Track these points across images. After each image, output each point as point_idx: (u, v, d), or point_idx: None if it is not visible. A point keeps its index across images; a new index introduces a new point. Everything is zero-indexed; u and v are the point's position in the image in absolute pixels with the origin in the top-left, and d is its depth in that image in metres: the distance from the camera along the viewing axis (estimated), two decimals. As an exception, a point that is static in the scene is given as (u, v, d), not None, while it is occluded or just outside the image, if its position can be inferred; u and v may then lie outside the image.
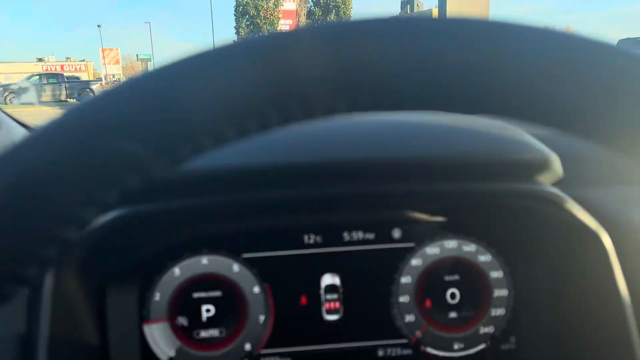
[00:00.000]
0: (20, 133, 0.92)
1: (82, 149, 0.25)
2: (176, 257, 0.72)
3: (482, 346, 0.76)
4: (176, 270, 0.72)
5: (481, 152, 0.65)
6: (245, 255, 0.73)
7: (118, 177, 0.26)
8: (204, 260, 0.73)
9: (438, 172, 0.64)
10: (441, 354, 0.75)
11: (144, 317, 0.72)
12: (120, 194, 0.27)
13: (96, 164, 0.25)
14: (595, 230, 0.63)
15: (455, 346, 0.76)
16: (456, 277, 0.76)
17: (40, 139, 0.26)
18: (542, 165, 0.65)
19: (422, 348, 0.75)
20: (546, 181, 0.66)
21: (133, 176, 0.26)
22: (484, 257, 0.75)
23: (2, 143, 0.88)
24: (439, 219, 0.74)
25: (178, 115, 0.25)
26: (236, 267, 0.73)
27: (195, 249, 0.72)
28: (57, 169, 0.25)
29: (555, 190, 0.63)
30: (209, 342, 0.73)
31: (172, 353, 0.72)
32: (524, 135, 0.70)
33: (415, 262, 0.75)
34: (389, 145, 0.65)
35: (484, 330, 0.76)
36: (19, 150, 0.26)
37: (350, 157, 0.63)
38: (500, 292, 0.75)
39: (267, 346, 0.74)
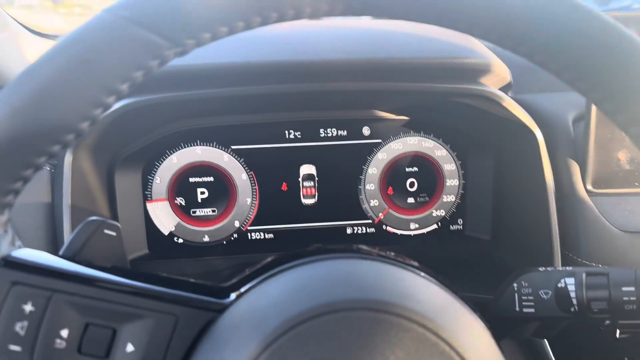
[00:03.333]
0: (26, 36, 0.99)
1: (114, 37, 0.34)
2: (173, 146, 0.83)
3: (434, 226, 0.90)
4: (174, 158, 0.84)
5: (437, 55, 0.74)
6: (234, 147, 0.85)
7: (143, 61, 0.34)
8: (198, 150, 0.84)
9: (399, 73, 0.74)
10: (399, 232, 0.89)
11: (147, 197, 0.84)
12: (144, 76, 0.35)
13: (126, 50, 0.34)
14: (529, 125, 0.75)
15: (412, 226, 0.90)
16: (415, 169, 0.88)
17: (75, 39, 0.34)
18: (488, 69, 0.75)
19: (384, 227, 0.89)
20: (492, 84, 0.77)
21: (153, 61, 0.34)
22: (440, 152, 0.88)
23: (7, 46, 0.95)
24: (403, 117, 0.86)
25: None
26: (226, 157, 0.85)
27: (190, 140, 0.84)
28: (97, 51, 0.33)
29: (495, 91, 0.74)
30: (204, 219, 0.86)
31: (172, 227, 0.85)
32: (476, 43, 0.80)
33: (381, 155, 0.87)
34: (359, 48, 0.75)
35: (436, 213, 0.89)
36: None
37: (326, 57, 0.73)
38: (452, 182, 0.88)
39: (253, 224, 0.88)
